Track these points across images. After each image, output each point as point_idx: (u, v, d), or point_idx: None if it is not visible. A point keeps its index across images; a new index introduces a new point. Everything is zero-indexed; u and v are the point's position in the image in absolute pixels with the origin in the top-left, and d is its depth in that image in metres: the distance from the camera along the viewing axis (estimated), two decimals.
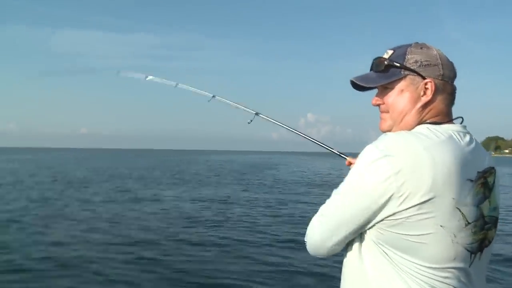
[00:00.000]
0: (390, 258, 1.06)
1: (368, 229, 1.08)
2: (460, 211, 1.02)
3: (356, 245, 1.12)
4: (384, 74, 1.17)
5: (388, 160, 1.01)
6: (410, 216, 1.00)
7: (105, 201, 13.30)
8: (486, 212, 1.08)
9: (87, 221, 9.56)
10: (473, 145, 1.12)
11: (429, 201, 0.99)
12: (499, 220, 1.14)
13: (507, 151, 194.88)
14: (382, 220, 1.04)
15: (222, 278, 5.61)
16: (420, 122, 1.15)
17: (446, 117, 1.16)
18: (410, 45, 1.17)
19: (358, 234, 1.11)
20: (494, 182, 1.13)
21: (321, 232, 1.14)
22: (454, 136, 1.09)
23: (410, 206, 0.99)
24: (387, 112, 1.19)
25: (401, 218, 1.01)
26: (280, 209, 12.06)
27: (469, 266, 1.07)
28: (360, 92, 1.26)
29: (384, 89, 1.19)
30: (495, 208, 1.12)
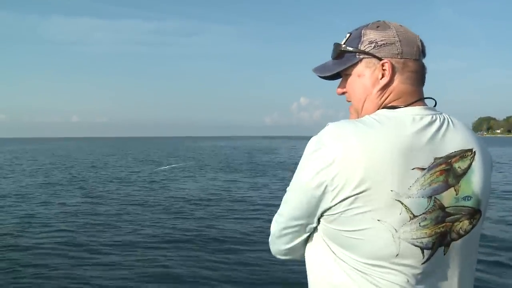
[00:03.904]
0: (333, 251, 1.03)
1: (317, 224, 1.06)
2: (402, 203, 0.93)
3: (311, 239, 1.10)
4: (339, 60, 1.12)
5: (322, 152, 0.97)
6: (345, 210, 0.96)
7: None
8: (449, 202, 0.98)
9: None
10: (434, 128, 1.00)
11: (363, 194, 0.93)
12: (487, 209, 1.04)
13: (498, 131, 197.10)
14: (322, 215, 1.02)
15: None
16: (382, 107, 1.07)
17: (411, 98, 1.06)
18: (366, 26, 1.10)
19: (313, 229, 1.08)
20: (469, 167, 1.00)
21: (275, 230, 1.14)
22: (406, 121, 0.99)
23: (342, 199, 0.95)
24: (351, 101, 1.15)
25: (336, 213, 0.97)
26: None
27: (423, 263, 0.97)
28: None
29: (346, 76, 1.14)
30: (469, 198, 1.00)
